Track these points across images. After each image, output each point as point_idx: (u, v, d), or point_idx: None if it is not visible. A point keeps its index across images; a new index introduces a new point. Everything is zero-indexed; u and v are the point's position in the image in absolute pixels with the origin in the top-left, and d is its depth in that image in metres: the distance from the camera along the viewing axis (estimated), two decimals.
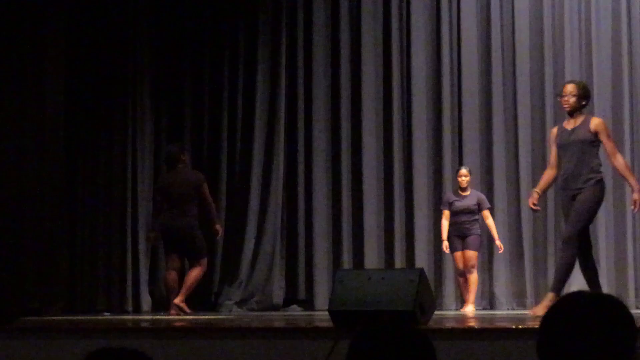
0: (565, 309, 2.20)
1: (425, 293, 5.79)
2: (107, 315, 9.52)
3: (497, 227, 10.23)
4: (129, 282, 10.24)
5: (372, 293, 5.75)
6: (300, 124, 10.88)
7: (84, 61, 10.25)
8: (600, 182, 7.49)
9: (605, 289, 8.93)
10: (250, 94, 10.89)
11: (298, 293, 10.73)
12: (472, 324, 6.87)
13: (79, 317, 8.63)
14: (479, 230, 10.16)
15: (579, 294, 2.24)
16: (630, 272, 10.11)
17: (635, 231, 10.18)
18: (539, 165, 10.10)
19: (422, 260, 10.36)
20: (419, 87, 10.76)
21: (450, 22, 10.77)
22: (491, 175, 10.54)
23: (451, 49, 10.75)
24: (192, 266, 9.31)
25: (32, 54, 9.42)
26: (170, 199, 9.25)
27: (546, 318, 2.22)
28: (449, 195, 10.30)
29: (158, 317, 9.11)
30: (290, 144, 10.87)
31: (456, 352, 5.24)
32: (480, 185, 10.54)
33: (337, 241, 10.72)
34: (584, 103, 7.59)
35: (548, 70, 10.46)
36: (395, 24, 10.85)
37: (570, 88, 7.61)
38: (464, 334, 5.71)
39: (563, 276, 7.42)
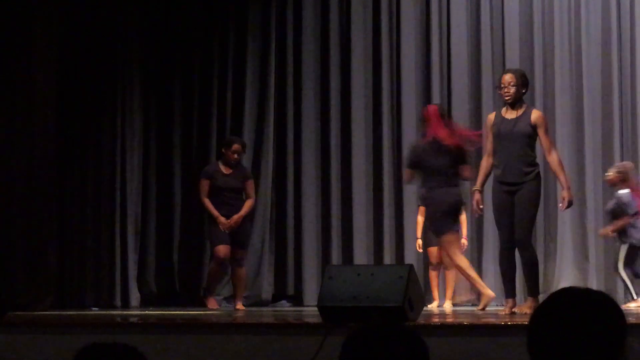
0: (555, 304, 2.20)
1: (414, 289, 5.79)
2: (95, 311, 9.52)
3: (486, 224, 10.21)
4: (118, 278, 10.24)
5: (361, 289, 5.75)
6: (290, 121, 10.87)
7: (75, 57, 10.20)
8: (538, 176, 7.34)
9: (594, 287, 8.93)
10: (240, 92, 10.86)
11: (287, 289, 10.73)
12: (462, 320, 6.87)
13: (68, 313, 8.61)
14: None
15: (568, 290, 2.24)
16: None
17: None
18: None
19: (411, 256, 10.36)
20: (409, 85, 10.75)
21: (440, 22, 10.76)
22: None
23: (441, 48, 10.74)
24: None
25: (24, 51, 9.38)
26: None
27: (536, 314, 2.22)
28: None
29: (147, 312, 9.11)
30: (280, 141, 10.86)
31: (445, 349, 5.24)
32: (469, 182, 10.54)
33: (326, 237, 10.72)
34: (524, 91, 7.37)
35: (538, 66, 10.47)
36: (385, 22, 10.84)
37: (508, 78, 7.35)
38: (453, 330, 5.71)
39: (533, 276, 7.40)
